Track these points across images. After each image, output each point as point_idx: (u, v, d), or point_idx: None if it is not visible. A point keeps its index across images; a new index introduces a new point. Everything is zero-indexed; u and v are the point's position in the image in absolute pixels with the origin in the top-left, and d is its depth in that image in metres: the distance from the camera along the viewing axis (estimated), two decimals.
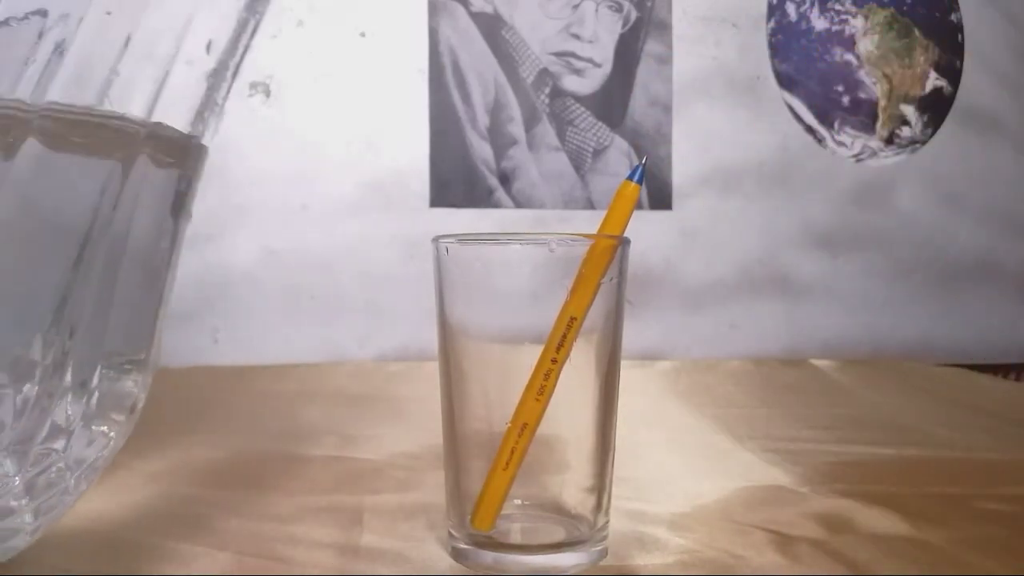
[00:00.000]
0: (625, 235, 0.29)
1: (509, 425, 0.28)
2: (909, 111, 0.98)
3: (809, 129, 0.96)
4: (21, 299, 0.22)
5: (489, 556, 0.29)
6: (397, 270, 0.85)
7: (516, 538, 0.29)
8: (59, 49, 0.21)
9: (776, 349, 0.93)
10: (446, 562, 0.30)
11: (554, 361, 0.28)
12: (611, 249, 0.28)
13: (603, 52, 0.91)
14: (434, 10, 0.88)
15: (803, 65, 0.96)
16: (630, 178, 0.29)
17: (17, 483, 0.23)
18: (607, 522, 0.30)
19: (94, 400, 0.24)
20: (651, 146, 0.92)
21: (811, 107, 0.96)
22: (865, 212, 0.96)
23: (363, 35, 0.87)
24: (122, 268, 0.24)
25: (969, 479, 0.41)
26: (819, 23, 0.96)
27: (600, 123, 0.91)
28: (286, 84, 0.85)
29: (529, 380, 0.28)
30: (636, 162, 0.92)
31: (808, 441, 0.49)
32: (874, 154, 0.97)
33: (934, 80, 0.99)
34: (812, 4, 0.96)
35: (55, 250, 0.22)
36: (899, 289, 0.97)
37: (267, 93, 0.84)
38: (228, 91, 0.26)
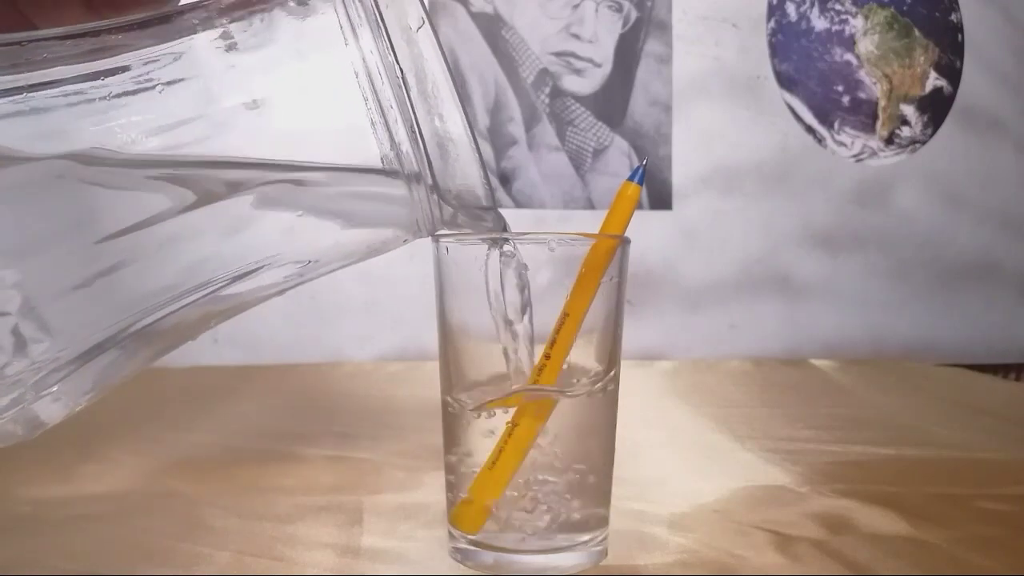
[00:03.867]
0: (625, 235, 0.29)
1: (509, 424, 0.28)
2: (909, 111, 0.98)
3: (809, 129, 0.96)
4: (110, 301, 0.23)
5: (489, 556, 0.29)
6: (397, 270, 0.85)
7: (515, 539, 0.29)
8: None
9: (776, 349, 0.93)
10: (446, 562, 0.30)
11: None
12: (612, 249, 0.28)
13: (603, 52, 0.91)
14: (434, 10, 0.88)
15: (803, 65, 0.96)
16: (631, 179, 0.29)
17: None
18: (607, 522, 0.30)
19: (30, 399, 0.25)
20: (651, 146, 0.92)
21: (811, 107, 0.96)
22: (865, 212, 0.96)
23: None
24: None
25: (969, 479, 0.41)
26: (819, 23, 0.96)
27: (600, 123, 0.91)
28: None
29: (529, 380, 0.28)
30: (636, 162, 0.92)
31: (808, 441, 0.49)
32: (874, 154, 0.97)
33: (934, 80, 0.99)
34: (812, 4, 0.96)
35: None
36: (899, 289, 0.97)
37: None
38: None
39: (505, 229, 0.29)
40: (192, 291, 0.25)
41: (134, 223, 0.23)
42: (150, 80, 0.23)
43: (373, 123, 0.24)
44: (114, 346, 0.24)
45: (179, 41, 0.23)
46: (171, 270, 0.24)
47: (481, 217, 0.27)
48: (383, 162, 0.25)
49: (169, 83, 0.23)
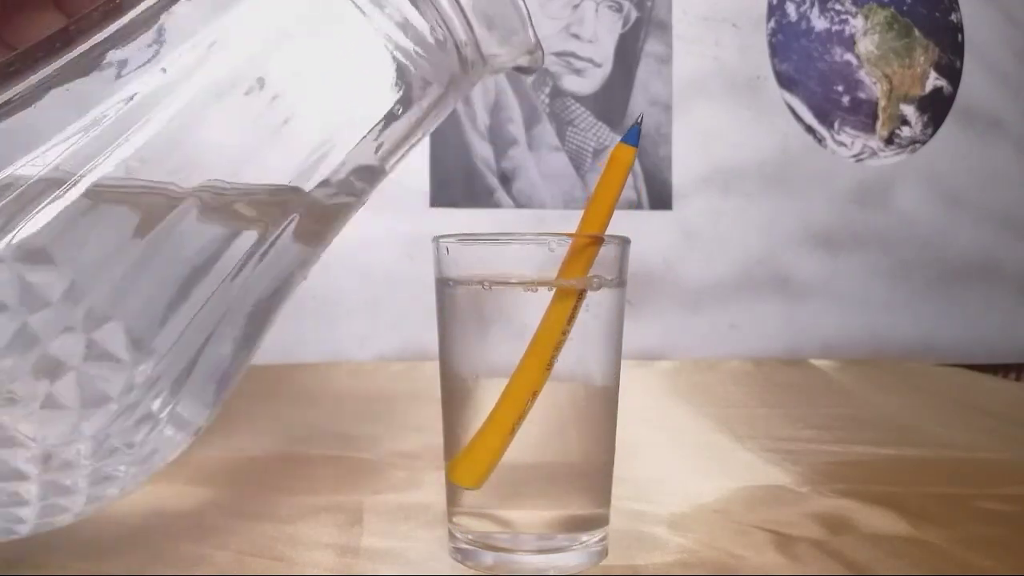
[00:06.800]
0: (625, 235, 0.29)
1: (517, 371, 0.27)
2: (909, 111, 0.98)
3: (809, 129, 0.96)
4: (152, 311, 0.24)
5: (489, 556, 0.29)
6: (397, 270, 0.85)
7: (516, 539, 0.29)
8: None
9: (776, 349, 0.93)
10: (446, 562, 0.30)
11: (564, 333, 0.27)
12: (595, 247, 0.28)
13: (603, 52, 0.91)
14: None
15: (803, 65, 0.96)
16: (625, 140, 0.27)
17: (87, 465, 0.24)
18: (607, 522, 0.30)
19: (171, 412, 0.26)
20: (651, 146, 0.92)
21: (811, 107, 0.96)
22: (865, 212, 0.96)
23: None
24: (242, 311, 0.26)
25: (969, 479, 0.41)
26: (819, 23, 0.96)
27: (600, 123, 0.91)
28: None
29: (539, 351, 0.27)
30: (636, 163, 0.92)
31: (808, 441, 0.49)
32: (874, 154, 0.97)
33: (934, 80, 0.99)
34: (812, 4, 0.96)
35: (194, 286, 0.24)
36: (899, 289, 0.97)
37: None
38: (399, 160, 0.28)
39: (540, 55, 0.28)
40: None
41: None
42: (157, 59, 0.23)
43: None
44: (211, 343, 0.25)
45: (160, 20, 0.23)
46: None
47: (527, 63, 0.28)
48: (432, 34, 0.25)
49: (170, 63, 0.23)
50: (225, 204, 0.24)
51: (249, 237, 0.25)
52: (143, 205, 0.23)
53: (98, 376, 0.23)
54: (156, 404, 0.24)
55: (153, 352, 0.23)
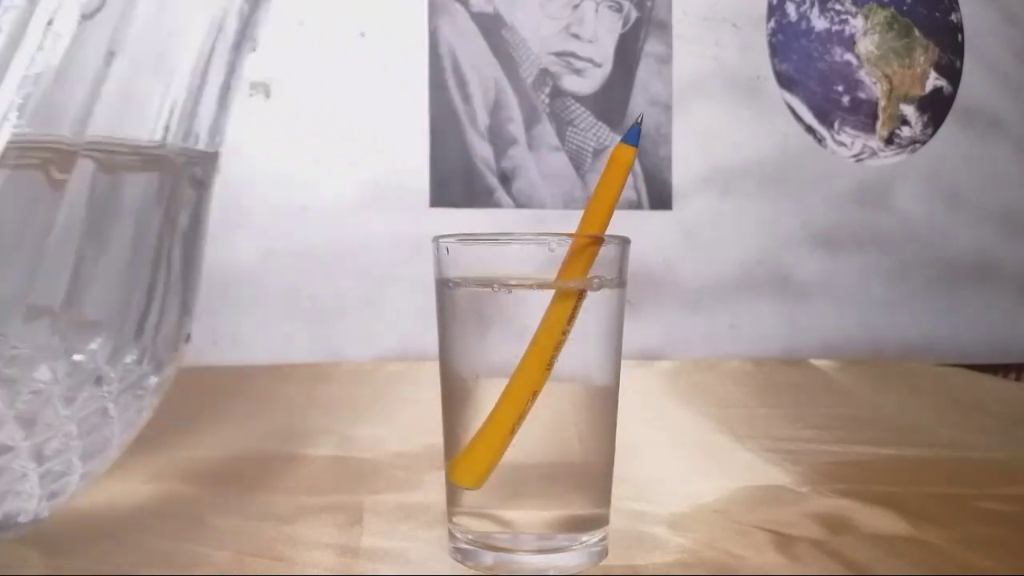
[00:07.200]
0: (625, 235, 0.29)
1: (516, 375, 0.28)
2: (909, 111, 0.98)
3: (809, 129, 0.96)
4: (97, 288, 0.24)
5: (489, 556, 0.29)
6: (397, 270, 0.85)
7: (516, 539, 0.29)
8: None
9: (776, 349, 0.93)
10: (446, 562, 0.30)
11: (564, 333, 0.27)
12: (595, 247, 0.28)
13: (603, 52, 0.91)
14: (434, 10, 0.88)
15: (803, 65, 0.96)
16: (625, 140, 0.28)
17: (73, 429, 0.25)
18: (607, 522, 0.30)
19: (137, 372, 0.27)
20: (651, 146, 0.92)
21: (811, 107, 0.96)
22: (865, 212, 0.96)
23: (363, 35, 0.87)
24: (169, 255, 0.27)
25: (969, 479, 0.41)
26: (819, 23, 0.96)
27: (600, 123, 0.91)
28: (286, 85, 0.85)
29: (540, 351, 0.27)
30: (636, 163, 0.92)
31: (808, 441, 0.49)
32: (874, 154, 0.97)
33: (934, 80, 0.99)
34: (812, 4, 0.96)
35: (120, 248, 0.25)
36: (899, 289, 0.97)
37: (267, 94, 0.84)
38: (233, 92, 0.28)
39: None
40: None
41: None
42: None
43: None
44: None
45: None
46: None
47: None
48: None
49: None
50: (117, 151, 0.24)
51: (150, 179, 0.25)
52: (45, 166, 0.23)
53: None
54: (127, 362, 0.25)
55: (100, 323, 0.24)
